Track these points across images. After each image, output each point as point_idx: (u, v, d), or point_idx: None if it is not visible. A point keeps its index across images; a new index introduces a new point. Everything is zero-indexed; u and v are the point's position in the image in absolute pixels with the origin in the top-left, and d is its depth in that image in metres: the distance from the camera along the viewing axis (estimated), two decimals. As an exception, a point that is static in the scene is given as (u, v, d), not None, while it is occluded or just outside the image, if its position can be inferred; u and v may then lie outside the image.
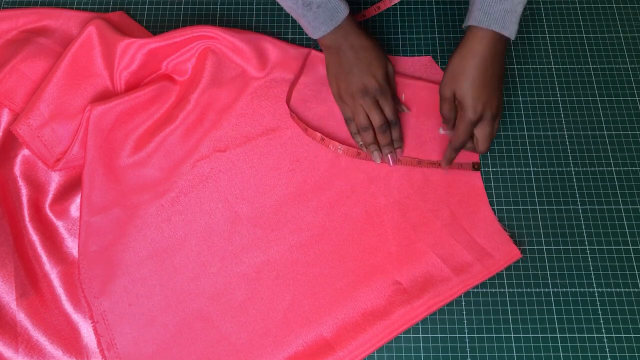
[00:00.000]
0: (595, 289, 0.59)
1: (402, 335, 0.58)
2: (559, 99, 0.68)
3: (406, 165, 0.64)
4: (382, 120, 0.62)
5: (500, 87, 0.59)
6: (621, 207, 0.63)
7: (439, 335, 0.58)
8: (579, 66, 0.70)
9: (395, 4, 0.74)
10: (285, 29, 0.72)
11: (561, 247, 0.61)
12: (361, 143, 0.64)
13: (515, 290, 0.59)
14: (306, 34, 0.68)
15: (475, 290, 0.59)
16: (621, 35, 0.71)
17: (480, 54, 0.56)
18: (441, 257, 0.60)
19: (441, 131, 0.65)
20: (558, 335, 0.57)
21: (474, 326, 0.58)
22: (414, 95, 0.67)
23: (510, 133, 0.66)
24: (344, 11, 0.59)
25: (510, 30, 0.55)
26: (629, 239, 0.61)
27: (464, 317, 0.58)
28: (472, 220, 0.61)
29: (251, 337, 0.58)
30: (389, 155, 0.63)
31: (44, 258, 0.61)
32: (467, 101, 0.57)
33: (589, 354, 0.56)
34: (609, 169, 0.64)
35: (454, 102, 0.59)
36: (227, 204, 0.63)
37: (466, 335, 0.58)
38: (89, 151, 0.63)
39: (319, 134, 0.64)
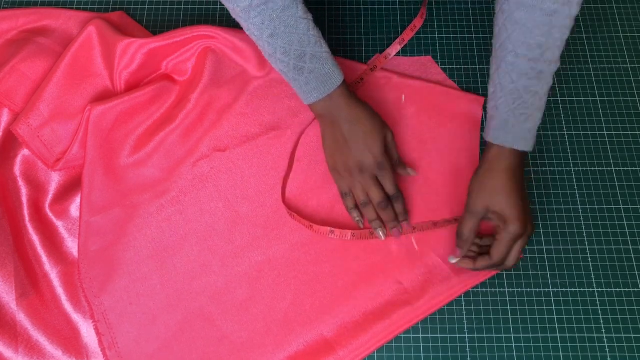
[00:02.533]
0: (595, 289, 0.59)
1: (402, 335, 0.58)
2: (559, 99, 0.68)
3: (421, 230, 0.61)
4: (382, 197, 0.58)
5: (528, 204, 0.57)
6: (621, 207, 0.63)
7: (439, 335, 0.58)
8: (579, 66, 0.70)
9: (395, 5, 0.74)
10: (285, 29, 0.72)
11: (561, 247, 0.61)
12: (357, 219, 0.61)
13: (515, 290, 0.59)
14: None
15: (475, 290, 0.59)
16: (621, 35, 0.71)
17: (510, 169, 0.54)
18: (442, 257, 0.60)
19: (452, 260, 0.58)
20: (558, 335, 0.57)
21: (474, 326, 0.58)
22: (414, 95, 0.67)
23: (510, 133, 0.66)
24: (338, 78, 0.56)
25: (530, 146, 0.54)
26: (629, 239, 0.61)
27: (464, 317, 0.58)
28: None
29: (252, 336, 0.58)
30: (394, 230, 0.60)
31: (44, 258, 0.61)
32: (512, 215, 0.53)
33: (589, 354, 0.56)
34: (609, 169, 0.64)
35: (480, 220, 0.56)
36: (227, 204, 0.63)
37: (466, 335, 0.58)
38: (89, 151, 0.63)
39: (326, 228, 0.60)
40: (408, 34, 0.70)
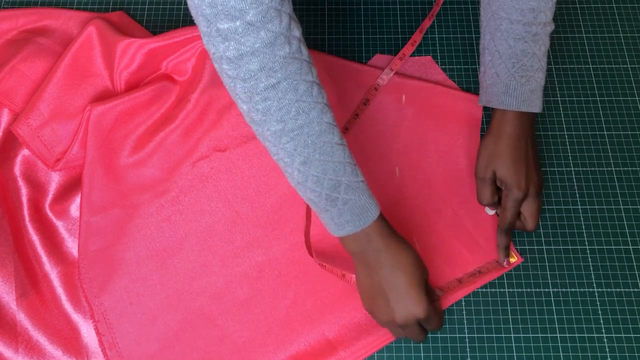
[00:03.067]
0: (595, 289, 0.59)
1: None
2: (559, 99, 0.68)
3: (448, 291, 0.58)
4: (423, 337, 0.54)
5: (537, 162, 0.58)
6: (621, 207, 0.63)
7: (439, 335, 0.58)
8: (579, 66, 0.70)
9: (395, 5, 0.74)
10: (285, 29, 0.72)
11: (561, 247, 0.61)
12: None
13: (515, 290, 0.59)
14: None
15: (475, 290, 0.59)
16: (621, 35, 0.71)
17: (514, 134, 0.56)
18: (443, 259, 0.60)
19: (489, 212, 0.61)
20: (558, 335, 0.57)
21: (474, 326, 0.58)
22: (414, 96, 0.67)
23: (510, 133, 0.66)
24: (374, 211, 0.50)
25: (537, 107, 0.55)
26: (629, 239, 0.61)
27: (464, 317, 0.58)
28: (474, 220, 0.61)
29: (253, 336, 0.58)
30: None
31: (44, 258, 0.61)
32: (510, 179, 0.55)
33: (589, 354, 0.56)
34: (609, 169, 0.64)
35: (494, 184, 0.58)
36: (227, 204, 0.63)
37: (466, 335, 0.58)
38: (89, 151, 0.63)
39: (339, 270, 0.58)
40: (409, 49, 0.70)
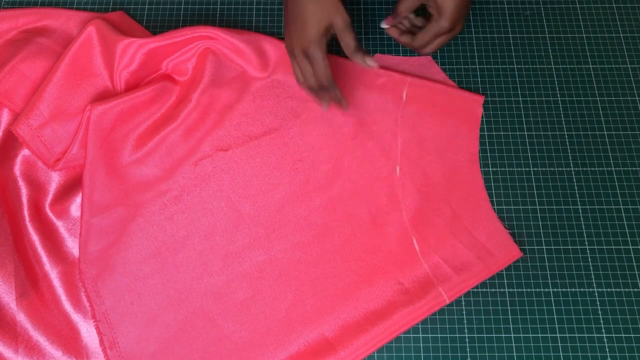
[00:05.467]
0: (595, 289, 0.59)
1: (402, 335, 0.58)
2: (559, 99, 0.68)
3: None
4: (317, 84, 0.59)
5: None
6: (621, 207, 0.63)
7: (439, 335, 0.58)
8: (579, 66, 0.70)
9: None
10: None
11: (561, 247, 0.61)
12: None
13: (515, 290, 0.59)
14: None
15: (475, 290, 0.59)
16: (621, 35, 0.71)
17: None
18: (442, 257, 0.60)
19: (384, 25, 0.64)
20: (558, 335, 0.57)
21: (474, 326, 0.58)
22: (415, 93, 0.67)
23: (510, 133, 0.66)
24: None
25: None
26: (629, 239, 0.61)
27: (464, 317, 0.59)
28: (473, 218, 0.62)
29: (253, 335, 0.58)
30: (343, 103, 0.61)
31: (44, 258, 0.61)
32: (447, 10, 0.57)
33: (589, 354, 0.57)
34: (609, 169, 0.64)
35: (418, 2, 0.60)
36: (229, 203, 0.63)
37: (466, 335, 0.58)
38: (89, 151, 0.63)
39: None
40: None
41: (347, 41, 0.58)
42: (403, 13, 0.61)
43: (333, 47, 0.72)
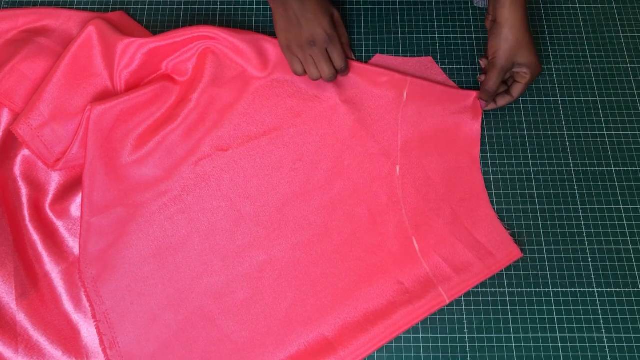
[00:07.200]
0: (595, 289, 0.59)
1: (402, 335, 0.58)
2: (559, 99, 0.68)
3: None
4: (332, 73, 0.65)
5: None
6: (621, 207, 0.63)
7: (439, 335, 0.58)
8: (579, 66, 0.70)
9: (395, 5, 0.74)
10: (285, 29, 0.72)
11: (561, 247, 0.61)
12: None
13: (515, 290, 0.59)
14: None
15: (475, 290, 0.59)
16: (621, 35, 0.71)
17: (525, 20, 0.60)
18: (442, 257, 0.60)
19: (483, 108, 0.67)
20: (558, 335, 0.57)
21: (474, 326, 0.58)
22: (415, 93, 0.67)
23: (510, 133, 0.66)
24: None
25: None
26: (629, 239, 0.61)
27: (464, 317, 0.59)
28: (473, 219, 0.62)
29: (253, 335, 0.58)
30: None
31: (45, 258, 0.61)
32: (536, 64, 0.61)
33: (589, 354, 0.57)
34: (609, 169, 0.64)
35: (506, 73, 0.62)
36: (229, 203, 0.63)
37: (466, 335, 0.58)
38: (89, 151, 0.63)
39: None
40: None
41: (342, 31, 0.68)
42: (493, 90, 0.63)
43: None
